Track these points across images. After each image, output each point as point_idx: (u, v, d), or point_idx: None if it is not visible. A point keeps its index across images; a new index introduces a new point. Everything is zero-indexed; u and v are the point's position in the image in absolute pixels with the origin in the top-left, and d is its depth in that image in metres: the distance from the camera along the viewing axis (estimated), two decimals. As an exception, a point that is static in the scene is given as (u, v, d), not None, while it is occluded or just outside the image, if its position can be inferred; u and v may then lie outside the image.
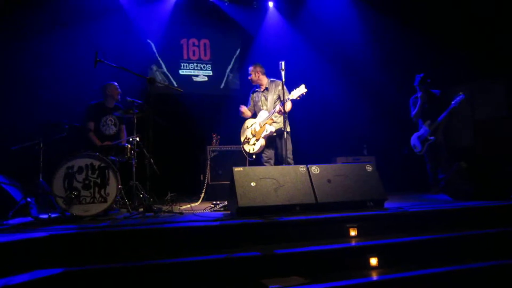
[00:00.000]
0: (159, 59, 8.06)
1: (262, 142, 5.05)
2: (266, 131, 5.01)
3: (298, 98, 4.70)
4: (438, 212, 3.85)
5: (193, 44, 8.31)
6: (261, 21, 8.51)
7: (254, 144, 5.13)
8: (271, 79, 5.26)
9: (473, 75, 6.40)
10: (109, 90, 5.19)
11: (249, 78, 5.28)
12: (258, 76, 5.24)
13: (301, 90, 4.68)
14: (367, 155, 7.09)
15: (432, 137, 5.92)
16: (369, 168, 4.13)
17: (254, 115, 5.35)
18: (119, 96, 5.25)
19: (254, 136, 5.16)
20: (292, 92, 4.73)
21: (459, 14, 6.87)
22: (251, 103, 5.40)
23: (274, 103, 5.10)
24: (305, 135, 7.50)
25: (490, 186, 4.53)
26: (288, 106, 4.73)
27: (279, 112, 4.80)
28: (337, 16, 8.04)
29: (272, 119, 5.03)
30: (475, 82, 6.52)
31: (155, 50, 8.04)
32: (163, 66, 8.08)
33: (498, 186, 4.58)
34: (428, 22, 7.40)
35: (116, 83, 5.29)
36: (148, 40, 8.00)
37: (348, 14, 7.99)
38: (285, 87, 4.78)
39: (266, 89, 5.22)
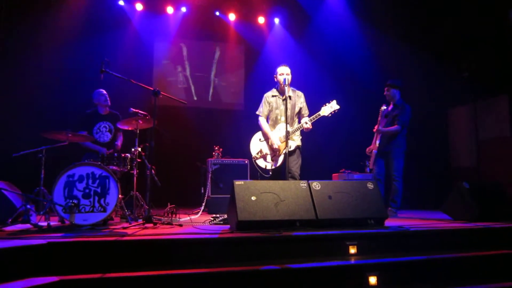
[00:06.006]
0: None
1: (282, 157, 4.73)
2: (290, 147, 4.74)
3: (330, 115, 4.60)
4: (440, 232, 3.80)
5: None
6: (266, 36, 8.64)
7: (272, 159, 4.80)
8: (292, 88, 4.89)
9: (476, 93, 6.40)
10: (96, 99, 5.32)
11: (287, 81, 4.55)
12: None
13: (333, 106, 4.57)
14: (369, 172, 7.05)
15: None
16: (370, 185, 4.10)
17: (267, 120, 4.99)
18: (107, 102, 5.28)
19: (274, 151, 4.79)
20: (323, 108, 4.64)
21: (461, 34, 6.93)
22: (267, 107, 4.89)
23: (294, 115, 4.86)
24: (307, 151, 7.50)
25: (493, 208, 4.49)
26: (310, 123, 4.57)
27: (305, 129, 4.57)
28: (342, 34, 8.13)
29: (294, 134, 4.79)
30: (478, 101, 6.51)
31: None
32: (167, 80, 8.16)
33: (501, 207, 4.55)
34: (432, 42, 7.46)
35: (101, 90, 5.33)
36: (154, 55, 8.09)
37: (354, 33, 8.07)
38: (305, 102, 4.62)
39: (290, 97, 4.75)
